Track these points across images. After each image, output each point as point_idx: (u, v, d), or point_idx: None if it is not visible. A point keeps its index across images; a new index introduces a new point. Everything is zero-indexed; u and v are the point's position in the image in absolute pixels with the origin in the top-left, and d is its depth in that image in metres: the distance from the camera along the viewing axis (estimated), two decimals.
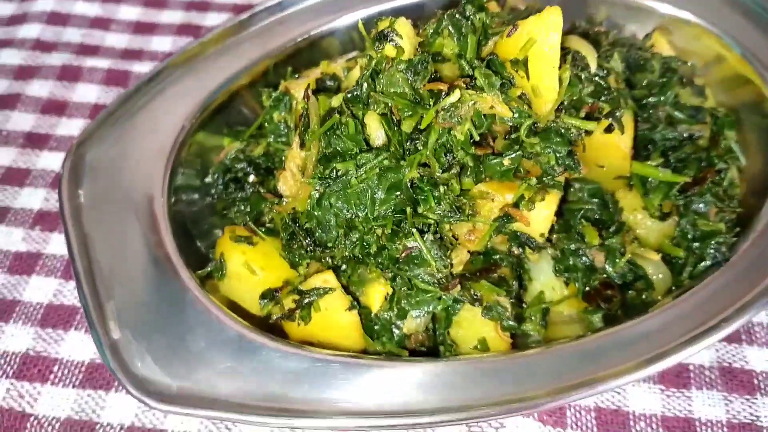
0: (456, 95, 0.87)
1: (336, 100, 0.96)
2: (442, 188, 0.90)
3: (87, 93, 1.37)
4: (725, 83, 1.29)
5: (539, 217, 0.93)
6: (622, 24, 1.35)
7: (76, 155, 1.05)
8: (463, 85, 0.90)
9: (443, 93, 0.89)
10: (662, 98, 1.10)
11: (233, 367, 0.88)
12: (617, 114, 0.98)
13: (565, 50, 1.00)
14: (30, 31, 1.46)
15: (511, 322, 0.93)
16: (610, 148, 1.00)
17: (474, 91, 0.89)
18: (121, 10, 1.52)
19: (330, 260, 0.97)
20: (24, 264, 1.14)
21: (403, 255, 0.91)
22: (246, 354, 0.89)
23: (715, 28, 1.28)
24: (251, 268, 0.98)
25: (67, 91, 1.37)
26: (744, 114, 1.24)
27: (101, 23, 1.49)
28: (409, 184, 0.91)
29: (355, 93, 0.95)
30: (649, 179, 1.04)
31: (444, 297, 0.93)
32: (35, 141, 1.29)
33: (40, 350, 1.05)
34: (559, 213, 1.03)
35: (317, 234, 0.95)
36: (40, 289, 1.11)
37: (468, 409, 0.82)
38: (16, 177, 1.24)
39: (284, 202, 1.01)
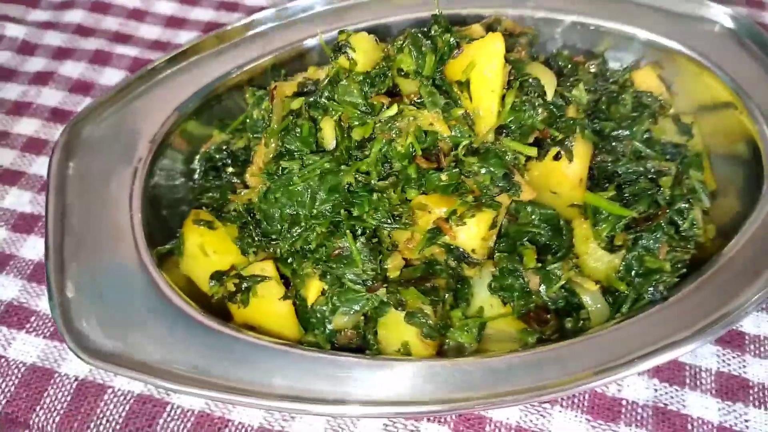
0: (393, 109, 0.92)
1: (296, 103, 1.02)
2: (376, 195, 0.95)
3: (113, 77, 1.50)
4: (716, 122, 1.28)
5: (468, 234, 0.96)
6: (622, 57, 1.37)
7: (72, 130, 1.16)
8: (407, 101, 0.95)
9: (384, 106, 0.94)
10: (628, 132, 1.10)
11: (165, 336, 0.95)
12: (567, 143, 1.00)
13: (526, 75, 1.03)
14: (74, 16, 1.61)
15: (431, 330, 0.97)
16: (558, 175, 1.02)
17: (414, 108, 0.94)
18: (159, 4, 1.65)
19: (276, 251, 1.04)
20: (26, 224, 1.26)
21: (335, 253, 0.97)
22: (178, 327, 0.96)
23: (710, 65, 1.27)
24: (205, 250, 1.05)
25: (96, 74, 1.51)
26: (733, 157, 1.24)
27: (138, 14, 1.62)
28: (346, 188, 0.96)
29: (316, 99, 1.01)
30: (601, 210, 1.05)
31: (370, 298, 0.98)
32: (59, 116, 1.42)
33: (23, 301, 1.17)
34: (506, 234, 1.07)
35: (263, 225, 1.02)
36: (35, 248, 1.23)
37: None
38: (35, 146, 1.37)
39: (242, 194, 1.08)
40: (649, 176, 1.10)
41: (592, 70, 1.25)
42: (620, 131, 1.11)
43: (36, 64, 1.53)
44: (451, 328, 1.03)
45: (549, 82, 1.02)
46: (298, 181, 0.96)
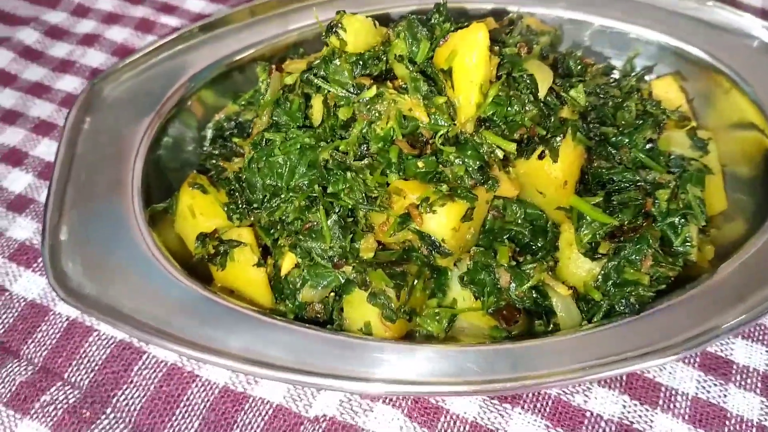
0: (372, 91, 0.94)
1: (290, 79, 1.05)
2: (350, 174, 0.97)
3: None
4: (738, 142, 1.22)
5: (438, 222, 0.96)
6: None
7: (93, 88, 1.23)
8: (390, 85, 0.95)
9: (366, 87, 0.95)
10: (627, 140, 1.07)
11: (140, 288, 1.00)
12: (553, 143, 0.99)
13: (521, 71, 1.01)
14: None
15: (392, 313, 0.97)
16: (542, 175, 1.01)
17: (396, 92, 0.94)
18: None
19: (259, 220, 1.07)
20: (51, 172, 1.35)
21: (306, 227, 0.99)
22: (153, 279, 1.01)
23: (740, 81, 1.22)
24: (193, 211, 1.10)
25: (138, 40, 1.59)
26: (750, 180, 1.18)
27: None
28: (323, 164, 0.98)
29: (309, 76, 1.04)
30: (585, 216, 1.02)
31: (338, 275, 1.00)
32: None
33: (35, 243, 1.25)
34: (489, 229, 1.06)
35: (246, 193, 1.05)
36: None
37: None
38: (71, 102, 1.46)
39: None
40: (647, 187, 1.06)
41: (601, 73, 1.22)
42: (620, 138, 1.07)
43: (86, 26, 1.62)
44: (420, 315, 1.04)
45: (543, 79, 1.00)
46: (279, 153, 0.99)
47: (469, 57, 0.91)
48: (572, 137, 1.00)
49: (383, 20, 1.12)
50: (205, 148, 1.27)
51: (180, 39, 1.31)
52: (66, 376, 1.08)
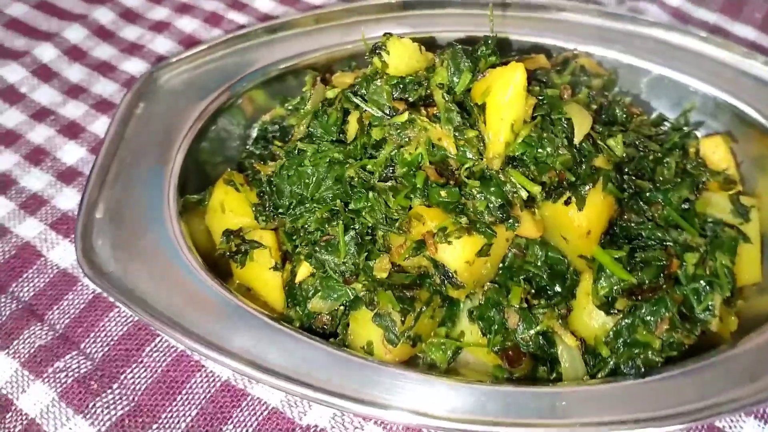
0: (404, 117, 0.94)
1: (331, 93, 1.07)
2: (372, 194, 0.98)
3: None
4: None
5: (451, 253, 0.96)
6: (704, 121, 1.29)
7: (151, 75, 1.28)
8: (423, 113, 0.96)
9: (398, 111, 0.96)
10: (662, 197, 1.04)
11: (161, 275, 1.04)
12: (581, 190, 0.97)
13: (560, 114, 1.00)
14: None
15: (394, 337, 0.98)
16: (565, 221, 0.99)
17: (427, 120, 0.95)
18: None
19: (283, 225, 1.09)
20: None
21: (324, 239, 1.01)
22: (174, 269, 1.05)
23: None
24: (223, 207, 1.13)
25: (205, 33, 1.64)
26: None
27: None
28: (348, 180, 1.00)
29: (351, 92, 1.05)
30: (605, 269, 1.00)
31: (348, 290, 1.01)
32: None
33: (50, 195, 1.33)
34: (508, 267, 1.05)
35: (274, 198, 1.08)
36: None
37: None
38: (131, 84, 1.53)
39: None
40: (676, 248, 1.04)
41: (651, 124, 1.19)
42: (654, 194, 1.05)
43: (160, 13, 1.69)
44: (425, 342, 1.04)
45: (581, 125, 0.99)
46: (308, 164, 1.01)
47: (502, 95, 0.91)
48: (603, 187, 0.99)
49: (432, 45, 1.13)
50: (248, 147, 1.31)
51: (242, 37, 1.35)
52: (82, 346, 1.13)
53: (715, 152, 1.18)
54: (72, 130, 1.44)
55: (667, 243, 1.03)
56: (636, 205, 1.05)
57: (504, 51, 1.25)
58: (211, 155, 1.26)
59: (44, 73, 1.55)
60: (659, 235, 1.04)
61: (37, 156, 1.40)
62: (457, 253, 0.95)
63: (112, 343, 1.14)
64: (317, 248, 1.00)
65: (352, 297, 1.02)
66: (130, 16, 1.68)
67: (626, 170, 1.07)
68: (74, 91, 1.52)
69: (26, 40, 1.61)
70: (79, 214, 1.09)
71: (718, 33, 1.61)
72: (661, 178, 1.08)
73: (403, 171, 0.97)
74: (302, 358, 0.96)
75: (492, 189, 0.95)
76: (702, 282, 1.02)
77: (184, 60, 1.32)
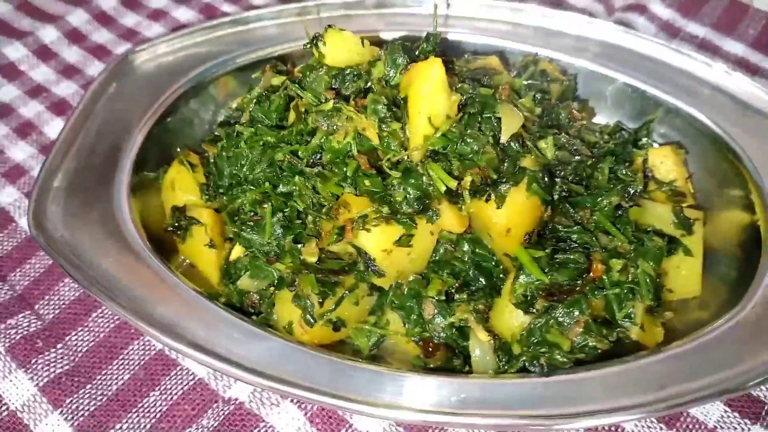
0: (329, 105, 0.97)
1: (277, 80, 1.11)
2: (298, 178, 1.01)
3: None
4: (732, 230, 1.16)
5: (369, 241, 0.98)
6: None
7: (127, 57, 1.34)
8: (353, 103, 0.99)
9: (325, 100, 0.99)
10: (590, 202, 1.04)
11: (103, 245, 1.09)
12: (501, 188, 0.98)
13: (490, 113, 1.02)
14: None
15: (311, 318, 1.01)
16: (485, 218, 1.00)
17: (352, 109, 0.98)
18: None
19: (225, 205, 1.14)
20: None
21: (252, 219, 1.04)
22: (116, 240, 1.10)
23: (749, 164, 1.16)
24: (174, 185, 1.18)
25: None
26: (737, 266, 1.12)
27: None
28: (278, 164, 1.03)
29: (290, 80, 1.09)
30: (525, 268, 1.01)
31: (272, 270, 1.05)
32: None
33: (30, 166, 1.40)
34: (437, 261, 1.07)
35: (215, 178, 1.12)
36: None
37: None
38: None
39: None
40: (604, 254, 1.03)
41: (610, 132, 1.19)
42: (582, 198, 1.05)
43: (159, 1, 1.77)
44: (351, 328, 1.07)
45: (508, 126, 1.00)
46: (244, 146, 1.05)
47: (421, 88, 0.93)
48: (527, 187, 0.99)
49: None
50: (214, 131, 1.36)
51: (225, 24, 1.40)
52: (36, 307, 1.20)
53: (664, 162, 1.17)
54: (60, 108, 1.53)
55: (594, 248, 1.03)
56: (564, 208, 1.05)
57: (460, 51, 1.27)
58: (175, 136, 1.31)
59: (44, 53, 1.64)
60: (586, 239, 1.03)
61: (25, 129, 1.49)
62: (374, 240, 0.98)
63: (63, 306, 1.20)
64: (244, 227, 1.04)
65: (277, 278, 1.05)
66: (131, 3, 1.76)
67: (561, 173, 1.07)
68: (69, 72, 1.60)
69: (32, 20, 1.70)
70: (37, 180, 1.15)
71: (707, 48, 1.59)
72: (594, 184, 1.08)
73: (328, 158, 1.00)
74: (221, 332, 1.00)
75: (411, 181, 0.97)
76: (624, 289, 1.01)
77: (160, 44, 1.38)
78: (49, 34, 1.67)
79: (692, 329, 1.04)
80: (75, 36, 1.68)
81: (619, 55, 1.34)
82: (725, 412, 1.04)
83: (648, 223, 1.12)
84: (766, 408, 1.05)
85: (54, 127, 1.49)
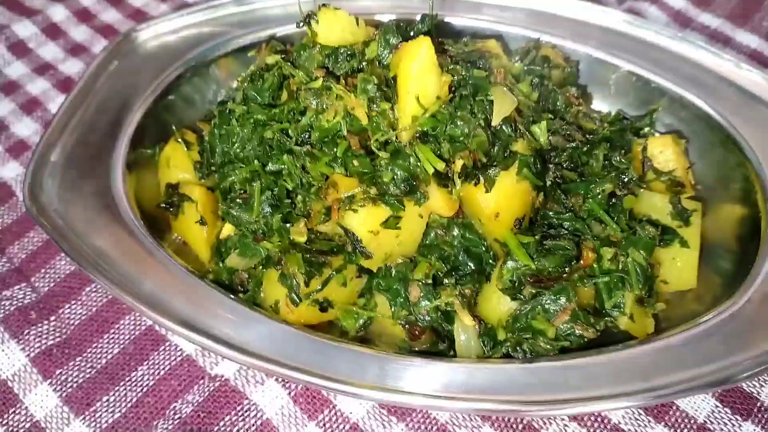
0: (318, 83, 0.97)
1: (271, 59, 1.11)
2: (287, 157, 1.01)
3: None
4: (732, 223, 1.14)
5: (355, 221, 0.97)
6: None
7: (128, 35, 1.35)
8: (344, 81, 0.98)
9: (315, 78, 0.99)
10: (583, 189, 1.03)
11: (96, 219, 1.10)
12: (490, 172, 0.97)
13: (483, 95, 1.00)
14: None
15: (296, 297, 1.00)
16: (473, 202, 0.99)
17: (342, 88, 0.97)
18: None
19: (217, 183, 1.14)
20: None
21: (240, 196, 1.04)
22: (109, 213, 1.11)
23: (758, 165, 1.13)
24: (168, 162, 1.19)
25: None
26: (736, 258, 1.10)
27: None
28: (268, 142, 1.03)
29: (284, 58, 1.08)
30: (513, 254, 1.00)
31: (260, 248, 1.04)
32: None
33: (34, 142, 1.42)
34: (428, 245, 1.06)
35: (207, 155, 1.12)
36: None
37: None
38: None
39: None
40: (597, 242, 1.02)
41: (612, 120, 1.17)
42: (575, 185, 1.03)
43: None
44: (339, 309, 1.06)
45: (500, 109, 0.98)
46: (235, 124, 1.05)
47: (409, 67, 0.92)
48: (517, 171, 0.98)
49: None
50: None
51: (228, 4, 1.39)
52: (32, 280, 1.22)
53: (663, 152, 1.14)
54: (66, 85, 1.54)
55: (585, 236, 1.01)
56: (556, 195, 1.03)
57: (460, 34, 1.25)
58: (175, 115, 1.31)
59: (53, 31, 1.65)
60: (578, 226, 1.02)
61: (30, 106, 1.50)
62: (361, 221, 0.97)
63: (58, 279, 1.22)
64: (233, 205, 1.04)
65: (264, 256, 1.05)
66: None
67: (555, 159, 1.06)
68: (76, 50, 1.62)
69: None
70: (34, 154, 1.16)
71: (717, 39, 1.55)
72: (588, 171, 1.06)
73: (316, 137, 0.99)
74: (207, 309, 1.00)
75: (399, 162, 0.96)
76: (614, 278, 0.99)
77: (162, 23, 1.38)
78: (58, 13, 1.69)
79: (689, 321, 1.02)
80: (84, 15, 1.70)
81: (624, 43, 1.31)
82: (716, 407, 1.03)
83: (644, 212, 1.10)
84: (758, 404, 1.03)
85: (59, 104, 1.49)
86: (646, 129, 1.24)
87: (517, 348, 0.95)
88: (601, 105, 1.32)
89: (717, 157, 1.20)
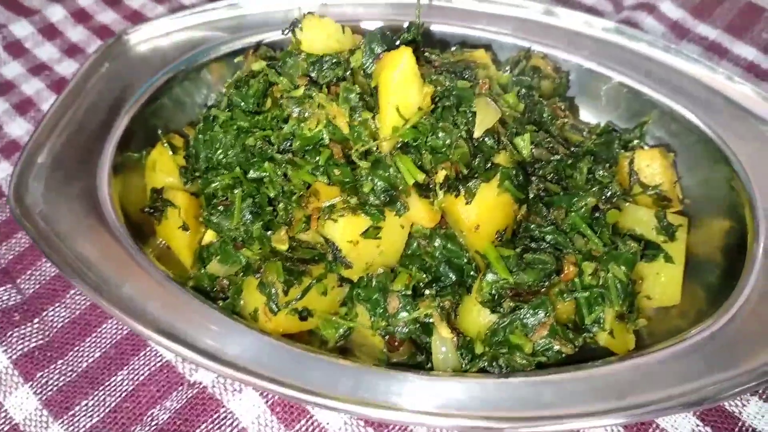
0: (300, 91, 0.96)
1: (257, 65, 1.10)
2: (268, 164, 1.00)
3: None
4: (719, 239, 1.13)
5: (335, 231, 0.97)
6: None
7: (121, 38, 1.35)
8: (325, 89, 0.98)
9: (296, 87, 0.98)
10: (566, 203, 1.02)
11: (80, 223, 1.10)
12: (471, 184, 0.96)
13: (466, 106, 1.00)
14: None
15: (274, 306, 1.00)
16: (454, 213, 0.98)
17: (323, 97, 0.96)
18: None
19: (201, 188, 1.14)
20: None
21: (222, 203, 1.04)
22: (94, 218, 1.11)
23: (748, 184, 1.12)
24: (155, 166, 1.19)
25: None
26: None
27: None
28: (250, 149, 1.02)
29: (269, 65, 1.08)
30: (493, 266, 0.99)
31: (241, 256, 1.04)
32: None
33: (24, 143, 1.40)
34: (409, 255, 1.06)
35: (192, 160, 1.12)
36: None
37: None
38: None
39: None
40: (579, 256, 1.01)
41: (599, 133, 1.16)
42: (557, 198, 1.02)
43: None
44: (320, 318, 1.06)
45: (483, 120, 0.97)
46: (219, 130, 1.05)
47: (389, 78, 0.91)
48: (499, 184, 0.97)
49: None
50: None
51: (222, 8, 1.39)
52: (18, 281, 1.22)
53: (650, 165, 1.13)
54: (61, 86, 1.54)
55: (567, 249, 1.00)
56: (537, 208, 1.02)
57: (450, 43, 1.25)
58: (164, 118, 1.31)
59: (50, 32, 1.66)
60: (560, 240, 1.01)
61: (24, 106, 1.51)
62: (340, 231, 0.97)
63: (44, 281, 1.22)
64: (214, 211, 1.04)
65: (244, 264, 1.04)
66: None
67: (538, 171, 1.05)
68: (72, 50, 1.62)
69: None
70: (22, 155, 1.16)
71: (715, 50, 1.54)
72: (572, 184, 1.05)
73: (297, 145, 0.99)
74: (184, 316, 0.99)
75: (379, 172, 0.95)
76: (594, 293, 0.98)
77: (155, 25, 1.38)
78: (56, 13, 1.70)
79: (670, 338, 1.01)
80: (81, 15, 1.70)
81: (617, 54, 1.30)
82: (696, 426, 1.01)
83: (629, 226, 1.09)
84: (740, 424, 1.02)
85: None
86: (635, 141, 1.23)
87: (494, 363, 0.94)
88: (591, 116, 1.31)
89: (706, 171, 1.19)
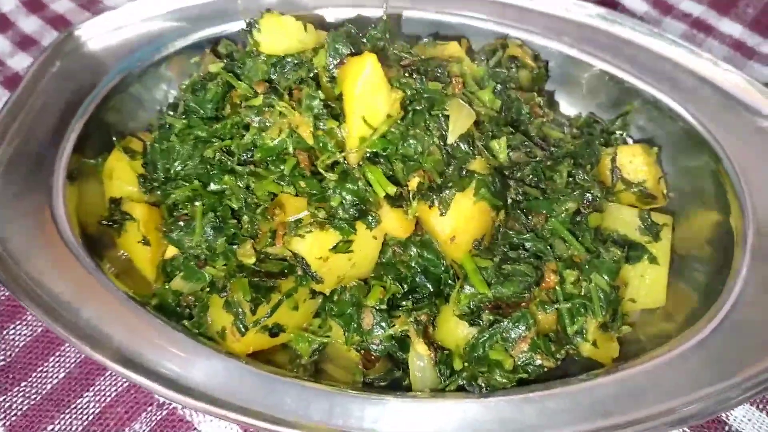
0: (258, 100, 0.90)
1: (214, 67, 1.03)
2: (228, 177, 0.94)
3: None
4: (706, 238, 1.08)
5: (303, 248, 0.91)
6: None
7: (72, 35, 1.26)
8: (287, 97, 0.91)
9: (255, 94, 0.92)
10: (545, 208, 0.97)
11: (34, 236, 1.04)
12: (444, 193, 0.91)
13: (438, 110, 0.94)
14: None
15: (242, 325, 0.95)
16: (429, 224, 0.93)
17: (286, 105, 0.90)
18: None
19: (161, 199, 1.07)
20: None
21: (180, 217, 0.98)
22: (49, 234, 1.04)
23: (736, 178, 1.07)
24: (111, 173, 1.12)
25: None
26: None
27: None
28: (209, 161, 0.96)
29: (226, 68, 1.01)
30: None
31: (204, 273, 0.99)
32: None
33: None
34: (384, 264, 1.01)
35: (149, 170, 1.05)
36: None
37: None
38: None
39: None
40: (559, 263, 0.96)
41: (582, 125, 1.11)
42: (536, 203, 0.97)
43: None
44: (292, 332, 1.01)
45: (456, 124, 0.91)
46: (175, 140, 0.98)
47: (353, 87, 0.85)
48: (475, 192, 0.92)
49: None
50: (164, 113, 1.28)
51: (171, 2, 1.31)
52: None
53: (633, 162, 1.08)
54: (14, 81, 1.46)
55: (547, 257, 0.95)
56: (516, 214, 0.97)
57: (424, 32, 1.18)
58: (122, 119, 1.24)
59: (1, 23, 1.56)
60: (540, 247, 0.96)
61: None
62: (308, 248, 0.91)
63: (2, 298, 1.16)
64: (173, 227, 0.98)
65: (209, 281, 0.99)
66: None
67: (517, 174, 1.00)
68: (25, 43, 1.53)
69: None
70: None
71: (699, 27, 1.47)
72: (552, 187, 1.00)
73: (259, 156, 0.93)
74: (147, 340, 0.94)
75: (348, 185, 0.90)
76: (577, 303, 0.94)
77: (109, 18, 1.29)
78: (7, 2, 1.60)
79: (655, 342, 0.98)
80: (34, 5, 1.60)
81: (598, 40, 1.24)
82: (682, 429, 0.99)
83: (612, 227, 1.04)
84: (726, 428, 0.99)
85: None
86: (618, 133, 1.18)
87: (472, 382, 0.90)
88: (571, 107, 1.25)
89: (691, 162, 1.14)
